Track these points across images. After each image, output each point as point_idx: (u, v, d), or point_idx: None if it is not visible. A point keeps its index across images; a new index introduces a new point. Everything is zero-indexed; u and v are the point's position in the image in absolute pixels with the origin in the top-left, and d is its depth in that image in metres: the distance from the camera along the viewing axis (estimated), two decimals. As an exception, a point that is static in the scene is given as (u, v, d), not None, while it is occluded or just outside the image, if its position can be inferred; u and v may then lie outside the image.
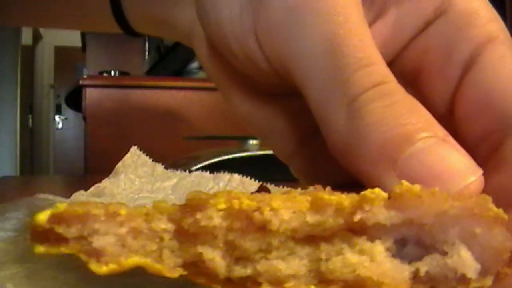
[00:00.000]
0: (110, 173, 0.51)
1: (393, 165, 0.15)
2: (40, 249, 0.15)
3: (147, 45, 2.30)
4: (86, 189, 0.48)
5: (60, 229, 0.15)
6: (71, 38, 4.44)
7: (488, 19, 0.18)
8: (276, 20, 0.18)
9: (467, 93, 0.18)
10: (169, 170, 0.51)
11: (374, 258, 0.14)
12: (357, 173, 0.17)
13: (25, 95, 3.42)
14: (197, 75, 1.72)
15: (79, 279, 0.24)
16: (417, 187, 0.14)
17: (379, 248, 0.14)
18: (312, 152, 0.22)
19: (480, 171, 0.15)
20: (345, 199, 0.14)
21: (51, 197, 0.42)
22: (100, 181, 0.50)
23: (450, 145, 0.16)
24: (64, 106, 4.23)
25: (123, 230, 0.15)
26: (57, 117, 5.01)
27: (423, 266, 0.14)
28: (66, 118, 4.90)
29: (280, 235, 0.15)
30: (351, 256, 0.14)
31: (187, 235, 0.15)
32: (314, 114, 0.18)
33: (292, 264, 0.15)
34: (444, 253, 0.14)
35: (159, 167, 0.51)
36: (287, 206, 0.14)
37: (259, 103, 0.23)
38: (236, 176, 0.53)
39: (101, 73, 2.06)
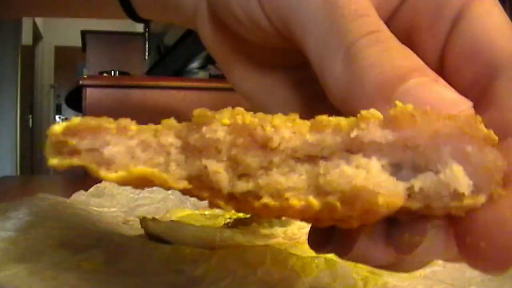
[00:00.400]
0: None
1: (388, 102, 0.16)
2: (54, 161, 0.16)
3: (147, 45, 2.30)
4: (86, 189, 0.48)
5: (73, 141, 0.16)
6: (71, 38, 4.44)
7: None
8: None
9: (455, 45, 0.19)
10: None
11: (370, 172, 0.14)
12: None
13: (25, 95, 3.42)
14: (197, 75, 1.72)
15: (79, 279, 0.24)
16: (409, 107, 0.14)
17: (375, 163, 0.15)
18: None
19: (470, 103, 0.16)
20: (343, 119, 0.15)
21: (51, 196, 0.42)
22: (100, 181, 0.50)
23: (440, 84, 0.17)
24: (64, 106, 4.23)
25: (133, 142, 0.16)
26: (57, 117, 5.01)
27: (417, 182, 0.14)
28: (66, 118, 4.90)
29: (281, 153, 0.15)
30: (348, 169, 0.14)
31: (193, 150, 0.16)
32: (314, 67, 0.19)
33: (292, 179, 0.15)
34: (438, 172, 0.14)
35: None
36: (288, 125, 0.15)
37: (261, 76, 0.24)
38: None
39: (101, 73, 2.06)
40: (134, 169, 0.16)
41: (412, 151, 0.15)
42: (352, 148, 0.15)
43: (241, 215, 0.36)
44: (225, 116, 0.16)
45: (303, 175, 0.15)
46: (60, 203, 0.41)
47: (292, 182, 0.15)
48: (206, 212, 0.36)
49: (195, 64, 1.70)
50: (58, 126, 0.16)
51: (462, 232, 0.15)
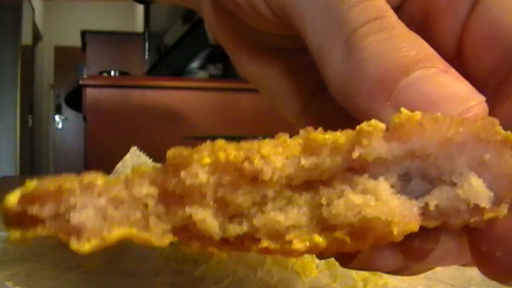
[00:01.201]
0: (110, 173, 0.51)
1: (389, 97, 0.14)
2: (16, 234, 0.13)
3: (147, 45, 2.30)
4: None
5: (33, 210, 0.13)
6: (71, 38, 4.44)
7: None
8: None
9: (474, 28, 0.17)
10: None
11: (379, 197, 0.13)
12: (356, 112, 0.16)
13: (25, 95, 3.42)
14: (197, 75, 1.72)
15: (79, 279, 0.24)
16: (417, 114, 0.13)
17: (383, 185, 0.13)
18: (318, 108, 0.22)
19: (482, 97, 0.14)
20: (340, 136, 0.13)
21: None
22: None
23: (450, 75, 0.15)
24: (64, 106, 4.23)
25: (102, 201, 0.14)
26: (57, 117, 5.01)
27: (433, 200, 0.13)
28: (66, 118, 4.90)
29: (275, 185, 0.13)
30: (354, 197, 0.13)
31: (173, 197, 0.14)
32: (313, 56, 0.17)
33: (291, 214, 0.13)
34: (453, 184, 0.13)
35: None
36: (278, 152, 0.13)
37: (266, 61, 0.23)
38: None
39: (101, 73, 2.06)
40: (109, 235, 0.13)
41: (421, 161, 0.13)
42: (355, 167, 0.13)
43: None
44: (205, 154, 0.13)
45: (303, 207, 0.13)
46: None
47: (292, 219, 0.13)
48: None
49: (195, 64, 1.70)
50: (13, 196, 0.13)
51: (478, 240, 0.14)
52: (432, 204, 0.13)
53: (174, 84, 1.48)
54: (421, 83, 0.14)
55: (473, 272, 0.26)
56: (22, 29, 3.23)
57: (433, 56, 0.15)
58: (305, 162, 0.13)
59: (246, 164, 0.13)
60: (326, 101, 0.20)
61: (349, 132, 0.13)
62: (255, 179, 0.13)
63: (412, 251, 0.15)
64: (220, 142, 0.13)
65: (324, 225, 0.13)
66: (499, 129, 0.13)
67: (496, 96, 0.15)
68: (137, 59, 3.13)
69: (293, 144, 0.13)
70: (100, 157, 1.22)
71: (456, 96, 0.14)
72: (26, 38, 3.56)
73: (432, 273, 0.26)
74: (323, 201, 0.13)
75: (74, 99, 1.63)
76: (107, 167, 0.47)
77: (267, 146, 0.13)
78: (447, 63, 0.15)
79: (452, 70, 0.15)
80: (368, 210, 0.12)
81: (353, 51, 0.16)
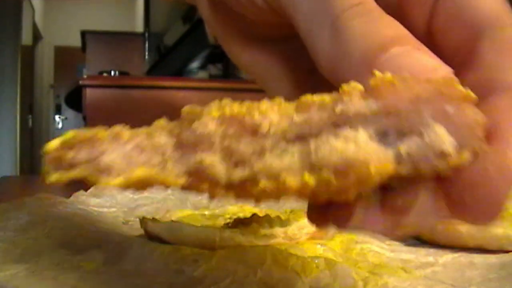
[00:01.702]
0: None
1: (371, 70, 0.16)
2: (52, 177, 0.16)
3: (147, 45, 2.30)
4: (86, 189, 0.48)
5: (71, 154, 0.16)
6: (71, 38, 4.44)
7: None
8: None
9: (441, 11, 0.20)
10: None
11: (358, 143, 0.15)
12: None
13: (25, 95, 3.42)
14: (197, 75, 1.72)
15: (79, 279, 0.24)
16: (389, 75, 0.15)
17: (362, 134, 0.15)
18: (308, 92, 0.24)
19: (449, 68, 0.17)
20: (326, 96, 0.16)
21: (51, 196, 0.42)
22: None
23: (422, 51, 0.17)
24: (64, 106, 4.23)
25: (128, 147, 0.16)
26: (57, 117, 5.01)
27: (404, 147, 0.15)
28: (66, 118, 4.90)
29: (272, 137, 0.16)
30: (337, 143, 0.15)
31: (187, 146, 0.16)
32: (304, 39, 0.20)
33: (285, 160, 0.16)
34: (421, 134, 0.15)
35: None
36: (275, 110, 0.16)
37: (258, 50, 0.25)
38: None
39: (101, 73, 2.06)
40: (134, 173, 0.16)
41: (395, 117, 0.15)
42: (339, 122, 0.15)
43: (241, 215, 0.36)
44: (214, 109, 0.16)
45: (295, 154, 0.16)
46: (60, 203, 0.41)
47: (286, 163, 0.16)
48: (206, 212, 0.36)
49: (195, 64, 1.71)
50: (54, 142, 0.17)
51: (449, 191, 0.16)
52: (404, 150, 0.15)
53: (174, 84, 1.48)
54: (397, 58, 0.17)
55: (473, 272, 0.26)
56: (22, 29, 3.24)
57: (406, 36, 0.18)
58: (297, 118, 0.16)
59: (247, 118, 0.16)
60: (315, 85, 0.22)
61: (334, 93, 0.16)
62: (255, 131, 0.16)
63: (396, 207, 0.17)
64: (227, 100, 0.16)
65: (313, 168, 0.15)
66: (460, 86, 0.15)
67: (462, 71, 0.17)
68: (137, 59, 3.13)
69: (288, 105, 0.16)
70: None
71: (427, 67, 0.16)
72: (26, 38, 3.56)
73: (432, 273, 0.26)
74: (312, 148, 0.15)
75: (74, 99, 1.63)
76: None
77: (265, 105, 0.16)
78: (419, 42, 0.18)
79: (424, 47, 0.17)
80: (349, 152, 0.15)
81: (339, 32, 0.18)
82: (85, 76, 1.66)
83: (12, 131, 3.16)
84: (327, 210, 0.19)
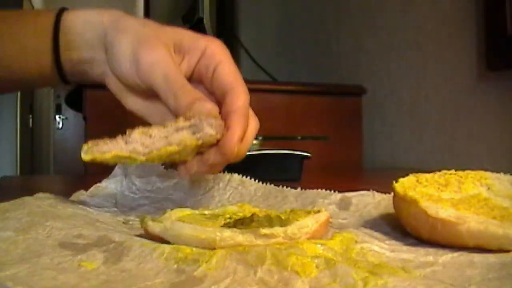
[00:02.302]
0: (109, 173, 0.51)
1: (191, 109, 0.39)
2: (88, 156, 0.36)
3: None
4: (86, 189, 0.48)
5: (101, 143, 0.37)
6: (71, 38, 4.42)
7: (221, 57, 0.45)
8: (144, 70, 0.43)
9: (214, 80, 0.44)
10: (169, 170, 0.51)
11: (189, 135, 0.37)
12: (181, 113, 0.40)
13: (25, 95, 3.42)
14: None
15: (79, 279, 0.24)
16: (192, 114, 0.38)
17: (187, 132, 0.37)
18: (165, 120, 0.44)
19: (217, 108, 0.40)
20: (180, 120, 0.37)
21: (51, 196, 0.42)
22: (100, 181, 0.50)
23: (209, 101, 0.40)
24: (64, 106, 4.23)
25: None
26: (57, 117, 5.00)
27: (200, 134, 0.37)
28: (66, 118, 4.89)
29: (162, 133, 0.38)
30: (188, 134, 0.37)
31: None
32: (162, 98, 0.43)
33: (182, 134, 0.37)
34: (204, 129, 0.37)
35: (159, 167, 0.51)
36: (158, 128, 0.38)
37: (143, 102, 0.47)
38: (236, 176, 0.53)
39: (101, 73, 2.05)
40: (153, 152, 0.36)
41: (196, 126, 0.37)
42: (181, 127, 0.37)
43: (241, 215, 0.36)
44: (137, 131, 0.37)
45: (184, 133, 0.37)
46: (60, 203, 0.41)
47: (183, 136, 0.37)
48: (206, 212, 0.36)
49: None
50: (85, 156, 0.36)
51: (213, 151, 0.39)
52: (200, 135, 0.37)
53: (174, 84, 1.48)
54: (201, 105, 0.39)
55: (473, 272, 0.26)
56: (22, 29, 3.22)
57: (202, 96, 0.41)
58: (173, 126, 0.38)
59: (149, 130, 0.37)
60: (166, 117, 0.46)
61: (179, 119, 0.38)
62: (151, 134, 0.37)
63: (204, 160, 0.40)
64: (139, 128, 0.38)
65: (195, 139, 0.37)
66: (217, 113, 0.39)
67: (220, 105, 0.42)
68: (137, 59, 3.12)
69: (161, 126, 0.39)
70: (100, 157, 1.22)
71: (210, 107, 0.39)
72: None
73: (431, 273, 0.26)
74: (187, 133, 0.38)
75: (74, 99, 1.63)
76: (107, 167, 0.48)
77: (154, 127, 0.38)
78: (205, 97, 0.41)
79: (208, 100, 0.41)
80: (192, 139, 0.37)
81: (177, 98, 0.41)
82: (85, 76, 1.66)
83: (12, 131, 3.15)
84: (177, 165, 0.41)
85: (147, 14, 2.29)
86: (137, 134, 0.35)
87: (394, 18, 1.26)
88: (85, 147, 0.35)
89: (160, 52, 0.43)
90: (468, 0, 1.01)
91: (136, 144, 0.35)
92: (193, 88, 0.41)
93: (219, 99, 0.43)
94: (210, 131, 0.36)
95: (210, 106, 0.39)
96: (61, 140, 4.77)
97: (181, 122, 0.36)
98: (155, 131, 0.36)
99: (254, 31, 2.23)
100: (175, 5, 1.74)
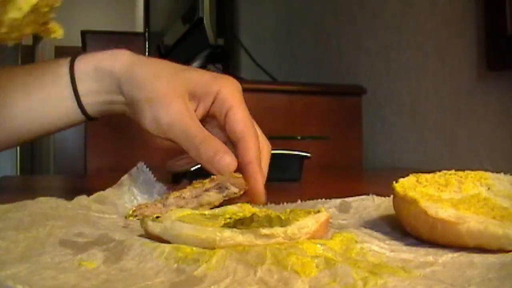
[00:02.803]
0: (109, 173, 0.51)
1: (212, 163, 0.45)
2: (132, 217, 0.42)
3: (147, 45, 2.29)
4: (86, 191, 0.48)
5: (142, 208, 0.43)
6: (71, 38, 4.43)
7: (232, 103, 0.49)
8: (164, 129, 0.49)
9: (227, 125, 0.49)
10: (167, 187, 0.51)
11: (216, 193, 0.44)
12: (206, 165, 0.47)
13: (25, 95, 3.41)
14: (197, 75, 1.72)
15: (79, 279, 0.24)
16: (217, 175, 0.45)
17: (212, 190, 0.44)
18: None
19: (236, 161, 0.46)
20: (205, 182, 0.44)
21: (53, 199, 0.42)
22: (100, 181, 0.50)
23: (229, 154, 0.46)
24: (64, 106, 4.21)
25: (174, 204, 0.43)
26: (57, 117, 4.99)
27: (226, 192, 0.44)
28: (66, 118, 4.88)
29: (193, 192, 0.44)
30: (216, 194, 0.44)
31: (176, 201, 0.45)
32: (184, 147, 0.49)
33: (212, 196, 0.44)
34: (228, 188, 0.44)
35: (162, 187, 0.51)
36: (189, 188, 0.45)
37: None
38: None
39: (101, 73, 2.05)
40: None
41: (221, 186, 0.43)
42: (209, 189, 0.43)
43: (241, 215, 0.36)
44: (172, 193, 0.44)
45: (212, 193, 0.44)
46: (61, 205, 0.41)
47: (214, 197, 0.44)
48: (206, 212, 0.36)
49: (195, 64, 1.70)
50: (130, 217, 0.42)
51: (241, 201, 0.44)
52: (225, 193, 0.44)
53: (174, 84, 1.47)
54: (222, 158, 0.45)
55: (473, 272, 0.26)
56: (22, 29, 3.22)
57: (224, 148, 0.46)
58: (200, 187, 0.44)
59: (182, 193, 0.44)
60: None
61: (204, 181, 0.45)
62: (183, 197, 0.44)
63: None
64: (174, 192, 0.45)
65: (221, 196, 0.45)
66: (238, 174, 0.45)
67: (236, 146, 0.48)
68: (137, 59, 3.12)
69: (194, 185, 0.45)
70: (100, 157, 1.22)
71: (229, 161, 0.45)
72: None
73: (431, 273, 0.26)
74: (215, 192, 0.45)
75: (74, 99, 1.63)
76: (107, 167, 0.47)
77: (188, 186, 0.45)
78: (228, 149, 0.46)
79: (229, 152, 0.46)
80: (218, 195, 0.44)
81: (199, 150, 0.47)
82: (85, 76, 1.65)
83: (12, 131, 3.15)
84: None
85: (147, 13, 2.29)
86: (172, 199, 0.42)
87: (394, 18, 1.26)
88: (130, 211, 0.41)
89: (176, 109, 0.47)
90: (468, 0, 1.01)
91: (172, 206, 0.42)
92: (212, 139, 0.46)
93: (233, 141, 0.48)
94: (234, 189, 0.43)
95: (229, 160, 0.44)
96: (61, 140, 4.77)
97: (208, 184, 0.43)
98: (187, 193, 0.43)
99: (254, 31, 2.24)
100: (175, 5, 1.74)
